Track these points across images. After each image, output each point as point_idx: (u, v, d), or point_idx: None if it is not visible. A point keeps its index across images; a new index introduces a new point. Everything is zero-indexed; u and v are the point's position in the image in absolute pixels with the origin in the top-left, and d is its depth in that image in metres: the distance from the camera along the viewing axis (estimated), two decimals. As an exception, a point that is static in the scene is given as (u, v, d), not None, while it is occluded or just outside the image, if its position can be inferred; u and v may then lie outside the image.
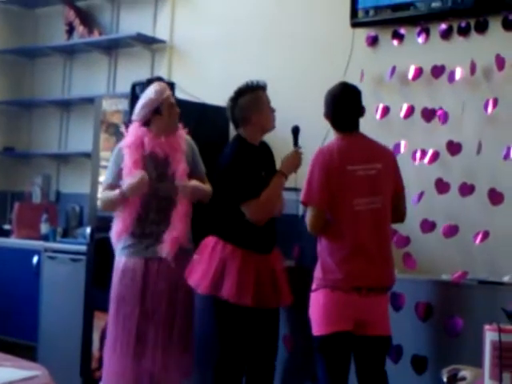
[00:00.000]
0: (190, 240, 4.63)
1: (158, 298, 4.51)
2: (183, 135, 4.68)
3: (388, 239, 4.07)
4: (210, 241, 4.43)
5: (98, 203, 4.71)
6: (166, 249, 4.48)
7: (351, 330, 3.90)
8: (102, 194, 4.71)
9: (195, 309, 4.69)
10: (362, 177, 3.94)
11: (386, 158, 4.09)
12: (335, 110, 4.06)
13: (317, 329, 3.92)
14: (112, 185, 4.59)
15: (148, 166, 4.53)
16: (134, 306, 4.49)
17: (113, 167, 4.65)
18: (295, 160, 4.34)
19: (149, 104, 4.57)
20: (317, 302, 3.93)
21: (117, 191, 4.51)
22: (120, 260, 4.61)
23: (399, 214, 4.17)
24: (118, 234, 4.61)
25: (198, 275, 4.39)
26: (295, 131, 4.39)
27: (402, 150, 4.84)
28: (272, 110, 4.51)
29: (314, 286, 3.98)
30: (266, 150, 4.55)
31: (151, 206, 4.55)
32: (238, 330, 4.41)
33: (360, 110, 4.11)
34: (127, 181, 4.48)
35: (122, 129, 4.77)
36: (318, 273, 3.97)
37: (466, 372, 2.48)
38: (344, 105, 4.06)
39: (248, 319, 4.38)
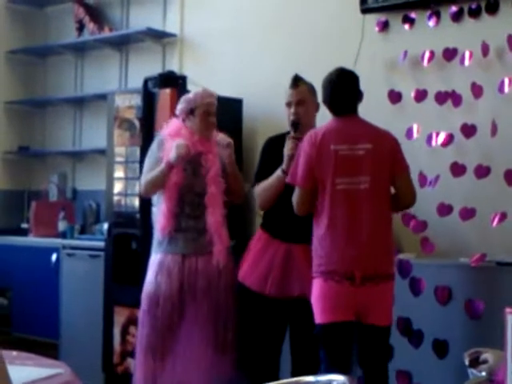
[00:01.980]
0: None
1: (196, 297, 4.49)
2: (216, 140, 4.67)
3: (383, 223, 3.96)
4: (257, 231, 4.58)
5: (141, 189, 4.67)
6: (219, 261, 4.51)
7: (351, 320, 3.87)
8: (143, 179, 4.64)
9: (237, 308, 4.63)
10: (347, 156, 3.89)
11: (381, 139, 4.00)
12: (332, 94, 4.04)
13: (316, 317, 3.91)
14: (153, 168, 4.58)
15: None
16: (171, 305, 4.46)
17: (154, 155, 4.63)
18: (287, 151, 4.25)
19: (185, 102, 4.62)
20: (314, 290, 3.92)
21: (161, 165, 4.50)
22: (156, 256, 4.58)
23: (406, 198, 4.06)
24: (163, 229, 4.54)
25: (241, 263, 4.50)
26: (294, 125, 4.32)
27: (416, 134, 4.82)
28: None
29: (312, 273, 3.96)
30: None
31: (186, 200, 4.54)
32: (253, 315, 4.44)
33: (357, 95, 4.09)
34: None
35: (137, 123, 4.78)
36: (313, 258, 3.97)
37: (487, 355, 2.47)
38: (341, 89, 4.04)
39: (263, 305, 4.37)
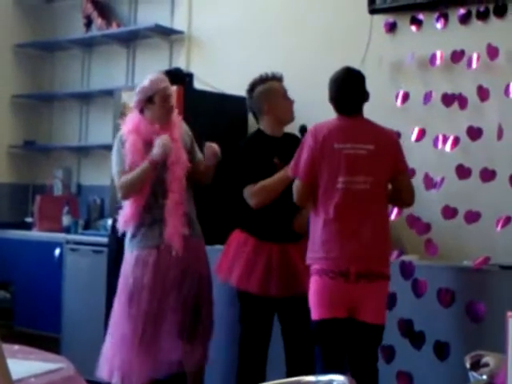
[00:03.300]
0: (192, 223, 4.64)
1: (169, 286, 4.51)
2: (177, 122, 4.68)
3: (380, 222, 3.99)
4: (234, 232, 4.53)
5: (119, 193, 4.59)
6: (175, 247, 4.51)
7: (344, 317, 3.90)
8: (119, 181, 4.57)
9: (212, 295, 4.70)
10: (348, 155, 3.91)
11: (384, 140, 4.03)
12: (338, 94, 4.05)
13: (312, 314, 3.95)
14: (126, 171, 4.54)
15: (148, 152, 4.51)
16: (147, 295, 4.48)
17: (120, 156, 4.59)
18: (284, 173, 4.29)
19: (142, 92, 4.59)
20: (310, 286, 3.95)
21: (143, 164, 4.47)
22: (132, 253, 4.58)
23: (405, 197, 4.10)
24: (125, 221, 4.57)
25: (220, 264, 4.53)
26: (302, 130, 4.36)
27: (423, 136, 4.82)
28: (290, 102, 4.51)
29: (310, 270, 3.98)
30: (289, 142, 4.46)
31: (158, 192, 4.53)
32: (252, 318, 4.46)
33: (364, 95, 4.09)
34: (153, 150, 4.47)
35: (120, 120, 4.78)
36: (308, 252, 3.99)
37: (489, 358, 2.47)
38: (347, 89, 4.05)
39: (262, 307, 4.42)
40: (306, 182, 3.98)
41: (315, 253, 3.93)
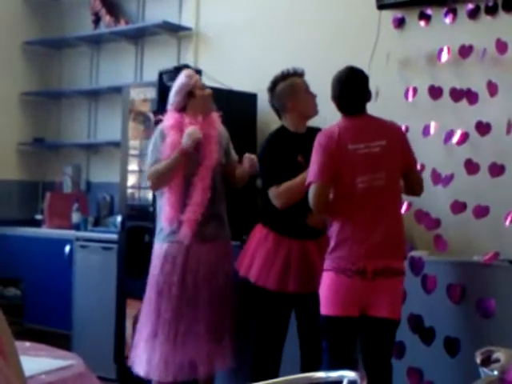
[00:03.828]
0: (222, 223, 4.70)
1: (198, 284, 4.55)
2: (217, 118, 4.74)
3: (396, 218, 4.03)
4: (256, 227, 4.55)
5: (151, 181, 4.64)
6: (183, 232, 4.54)
7: (355, 316, 3.92)
8: (150, 170, 4.64)
9: (235, 295, 4.74)
10: (364, 155, 3.93)
11: (392, 134, 4.06)
12: (341, 93, 4.06)
13: (322, 308, 3.97)
14: (160, 159, 4.60)
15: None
16: (176, 292, 4.52)
17: (157, 148, 4.65)
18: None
19: (183, 89, 4.65)
20: (324, 282, 3.96)
21: (173, 155, 4.53)
22: (161, 247, 4.63)
23: (415, 188, 4.15)
24: (170, 219, 4.58)
25: (241, 259, 4.55)
26: None
27: (432, 131, 4.82)
28: (312, 96, 4.52)
29: (324, 266, 4.00)
30: (314, 137, 4.31)
31: (190, 189, 4.57)
32: (270, 314, 4.47)
33: (366, 94, 4.10)
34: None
35: (152, 117, 4.80)
36: (327, 254, 4.00)
37: (499, 354, 2.47)
38: (350, 88, 4.05)
39: (279, 303, 4.43)
40: (324, 183, 3.94)
41: (334, 253, 3.94)
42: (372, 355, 4.03)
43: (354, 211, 3.92)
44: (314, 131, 4.39)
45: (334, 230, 3.98)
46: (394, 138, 4.05)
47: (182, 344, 4.50)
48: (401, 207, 4.20)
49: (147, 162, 4.75)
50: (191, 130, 4.51)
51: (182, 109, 4.66)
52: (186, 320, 4.52)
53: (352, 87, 4.06)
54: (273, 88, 4.52)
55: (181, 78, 4.70)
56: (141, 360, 4.62)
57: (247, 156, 4.69)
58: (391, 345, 4.05)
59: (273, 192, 4.36)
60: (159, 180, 4.62)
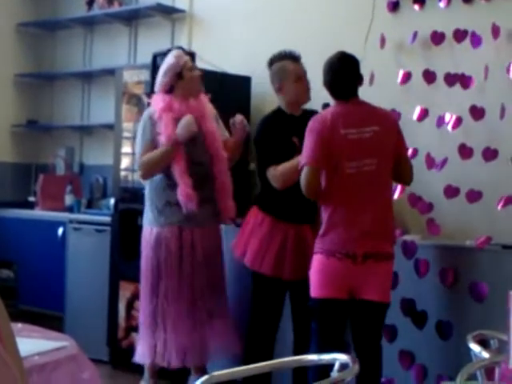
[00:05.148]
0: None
1: (195, 268, 4.56)
2: (206, 99, 4.71)
3: (386, 203, 4.06)
4: (251, 209, 4.56)
5: (141, 171, 4.60)
6: (228, 217, 4.68)
7: (345, 298, 3.94)
8: (141, 159, 4.59)
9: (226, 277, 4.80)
10: (355, 140, 3.93)
11: (386, 121, 4.07)
12: (333, 78, 4.05)
13: (312, 290, 3.99)
14: (150, 148, 4.55)
15: None
16: (174, 277, 4.53)
17: (145, 135, 4.60)
18: None
19: (171, 69, 4.60)
20: (314, 265, 3.98)
21: (167, 146, 4.48)
22: (151, 230, 4.61)
23: (405, 177, 4.17)
24: (188, 196, 4.50)
25: (236, 241, 4.57)
26: (325, 108, 4.36)
27: (425, 115, 4.81)
28: (303, 83, 4.49)
29: (315, 249, 4.01)
30: (308, 120, 4.29)
31: (189, 172, 4.54)
32: (264, 299, 4.49)
33: (358, 79, 4.09)
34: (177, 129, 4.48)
35: (145, 99, 4.77)
36: (318, 237, 4.01)
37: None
38: (341, 73, 4.05)
39: (274, 287, 4.45)
40: (316, 166, 3.94)
41: (325, 236, 3.96)
42: (362, 338, 4.05)
43: (344, 196, 3.93)
44: (310, 113, 4.39)
45: (325, 215, 3.99)
46: (387, 125, 4.05)
47: (176, 329, 4.50)
48: (392, 193, 4.21)
49: (137, 149, 4.70)
50: (187, 120, 4.46)
51: (169, 90, 4.60)
52: (180, 306, 4.52)
53: (343, 72, 4.05)
54: (270, 65, 4.53)
55: (169, 59, 4.65)
56: (137, 344, 4.64)
57: (236, 117, 4.66)
58: (381, 327, 4.07)
59: (270, 174, 4.35)
60: (150, 170, 4.58)
